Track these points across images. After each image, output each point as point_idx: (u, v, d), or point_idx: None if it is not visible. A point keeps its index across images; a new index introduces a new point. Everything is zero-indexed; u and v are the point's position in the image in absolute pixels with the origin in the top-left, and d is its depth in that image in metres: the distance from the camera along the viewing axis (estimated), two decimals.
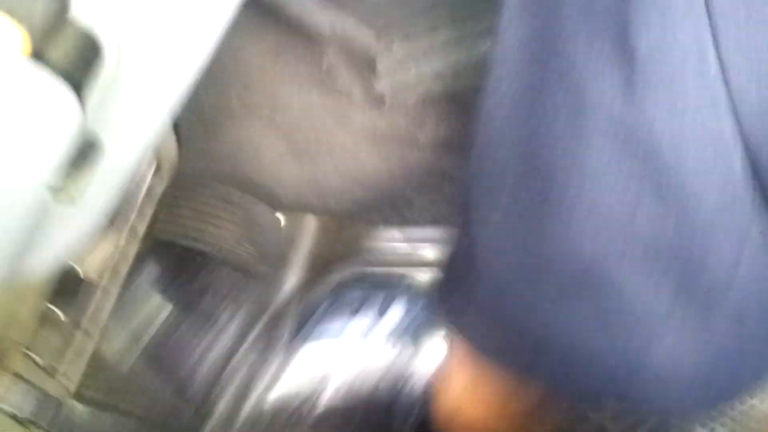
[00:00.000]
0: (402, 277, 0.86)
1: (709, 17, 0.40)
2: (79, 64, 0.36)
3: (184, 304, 0.68)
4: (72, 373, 0.55)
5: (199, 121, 0.75)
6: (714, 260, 0.45)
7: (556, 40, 0.46)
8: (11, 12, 0.33)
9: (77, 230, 0.44)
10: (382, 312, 0.74)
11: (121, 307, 0.63)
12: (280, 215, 0.86)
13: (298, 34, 0.74)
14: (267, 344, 0.72)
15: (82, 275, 0.53)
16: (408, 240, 0.86)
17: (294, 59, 0.76)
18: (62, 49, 0.35)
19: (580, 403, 0.71)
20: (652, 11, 0.41)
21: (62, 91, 0.35)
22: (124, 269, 0.58)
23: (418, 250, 0.86)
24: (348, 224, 0.86)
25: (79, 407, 0.60)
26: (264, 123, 0.78)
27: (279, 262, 0.84)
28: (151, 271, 0.69)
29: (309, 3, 0.73)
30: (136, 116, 0.41)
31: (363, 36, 0.74)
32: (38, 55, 0.34)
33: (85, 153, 0.40)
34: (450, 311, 0.62)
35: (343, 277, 0.85)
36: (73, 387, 0.55)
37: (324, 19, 0.74)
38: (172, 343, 0.70)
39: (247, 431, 0.71)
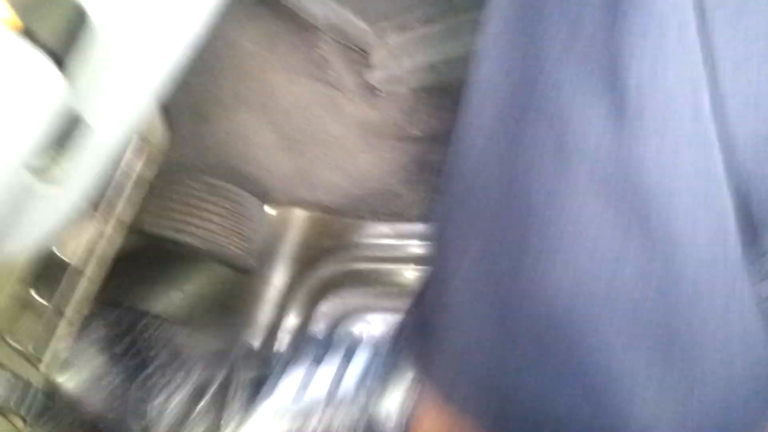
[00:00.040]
0: (389, 275, 0.86)
1: (707, 50, 0.38)
2: (65, 39, 0.35)
3: (132, 366, 0.64)
4: (53, 360, 0.53)
5: (189, 110, 0.74)
6: (699, 321, 0.42)
7: (538, 71, 0.43)
8: None
9: (59, 212, 0.43)
10: (347, 358, 0.71)
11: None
12: (268, 208, 0.85)
13: (291, 24, 0.73)
14: (222, 405, 0.68)
15: (65, 261, 0.51)
16: (397, 235, 0.85)
17: (286, 49, 0.75)
18: (49, 23, 0.34)
19: None
20: (644, 44, 0.39)
21: (47, 66, 0.34)
22: (109, 256, 0.56)
23: (407, 246, 0.85)
24: (337, 218, 0.85)
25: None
26: (255, 113, 0.77)
27: (267, 255, 0.84)
28: (96, 331, 0.65)
29: None
30: (121, 95, 0.40)
31: (357, 27, 0.73)
32: (24, 29, 0.33)
33: (68, 132, 0.39)
34: (419, 357, 0.60)
35: (331, 273, 0.84)
36: (52, 374, 0.54)
37: (317, 9, 0.73)
38: (120, 405, 0.67)
39: None
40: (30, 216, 0.42)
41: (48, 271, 0.51)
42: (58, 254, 0.50)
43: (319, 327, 0.86)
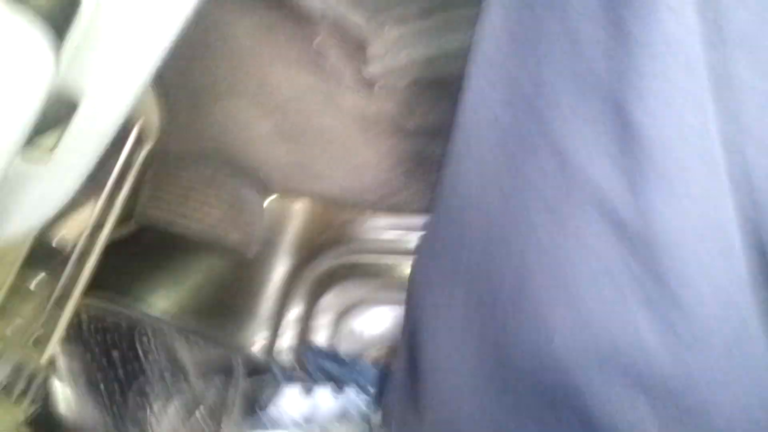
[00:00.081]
0: (390, 268, 0.85)
1: (725, 89, 0.36)
2: (56, 10, 0.34)
3: (130, 372, 0.64)
4: (46, 340, 0.53)
5: (185, 99, 0.74)
6: (711, 369, 0.39)
7: (537, 106, 0.41)
8: None
9: (53, 194, 0.43)
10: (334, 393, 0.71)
11: None
12: (267, 199, 0.84)
13: (289, 14, 0.73)
14: (221, 413, 0.68)
15: (59, 240, 0.51)
16: (396, 227, 0.85)
17: (284, 40, 0.74)
18: None
19: None
20: (651, 83, 0.37)
21: (37, 38, 0.33)
22: (102, 240, 0.56)
23: (408, 238, 0.85)
24: (336, 210, 0.85)
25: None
26: (251, 103, 0.77)
27: (267, 247, 0.83)
28: (93, 336, 0.65)
29: None
30: (114, 72, 0.40)
31: (355, 18, 0.73)
32: None
33: (61, 111, 0.39)
34: (399, 424, 0.59)
35: (332, 266, 0.84)
36: (48, 353, 0.54)
37: (315, 1, 0.72)
38: (118, 411, 0.65)
39: None
40: (23, 198, 0.41)
41: (44, 255, 0.51)
42: (55, 238, 0.50)
43: (321, 320, 0.85)
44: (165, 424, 0.64)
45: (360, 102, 0.77)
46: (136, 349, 0.64)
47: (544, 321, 0.42)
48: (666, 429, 0.40)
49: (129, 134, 0.55)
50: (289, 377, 0.71)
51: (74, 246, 0.54)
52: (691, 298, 0.38)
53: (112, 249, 0.60)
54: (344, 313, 0.86)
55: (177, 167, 0.78)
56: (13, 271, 0.47)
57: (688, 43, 0.36)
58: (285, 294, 0.85)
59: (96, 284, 0.65)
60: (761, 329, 0.38)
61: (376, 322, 0.86)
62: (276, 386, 0.68)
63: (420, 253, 0.52)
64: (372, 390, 0.70)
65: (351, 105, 0.78)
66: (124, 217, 0.62)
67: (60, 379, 0.59)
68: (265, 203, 0.84)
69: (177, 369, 0.65)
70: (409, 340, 0.56)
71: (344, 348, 0.85)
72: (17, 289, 0.49)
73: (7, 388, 0.52)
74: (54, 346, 0.54)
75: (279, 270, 0.85)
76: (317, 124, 0.79)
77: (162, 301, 0.79)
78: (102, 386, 0.60)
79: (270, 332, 0.84)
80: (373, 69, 0.75)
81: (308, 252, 0.85)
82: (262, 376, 0.69)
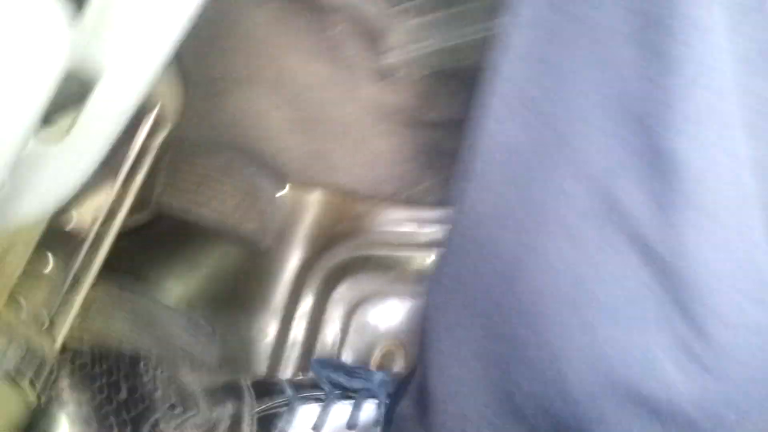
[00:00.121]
0: (405, 262, 0.85)
1: (755, 114, 0.35)
2: None
3: (139, 411, 0.62)
4: (59, 326, 0.53)
5: (202, 87, 0.73)
6: (744, 413, 0.38)
7: (560, 129, 0.40)
8: None
9: (66, 175, 0.42)
10: (357, 404, 0.70)
11: None
12: (282, 189, 0.84)
13: (307, 4, 0.72)
14: None
15: (73, 225, 0.51)
16: (411, 220, 0.84)
17: (302, 29, 0.74)
18: None
19: None
20: (687, 107, 0.35)
21: (53, 10, 0.33)
22: (118, 224, 0.56)
23: (424, 232, 0.84)
24: (351, 201, 0.84)
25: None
26: (269, 92, 0.77)
27: (282, 237, 0.83)
28: (94, 381, 0.63)
29: None
30: (132, 50, 0.39)
31: (374, 7, 0.73)
32: None
33: (75, 88, 0.38)
34: None
35: (347, 257, 0.83)
36: (59, 341, 0.53)
37: None
38: None
39: None
40: (38, 180, 0.41)
41: (58, 240, 0.50)
42: (69, 223, 0.49)
43: (333, 312, 0.85)
44: None
45: (377, 93, 0.77)
46: (142, 381, 0.62)
47: (559, 351, 0.41)
48: None
49: (146, 119, 0.54)
50: (302, 394, 0.70)
51: (89, 231, 0.53)
52: (720, 331, 0.37)
53: (126, 236, 0.60)
54: (357, 306, 0.85)
55: (192, 155, 0.77)
56: (26, 254, 0.47)
57: (718, 67, 0.35)
58: (298, 285, 0.84)
59: (110, 270, 0.65)
60: None
61: (389, 315, 0.85)
62: (290, 405, 0.67)
63: (434, 278, 0.51)
64: (385, 400, 0.69)
65: (368, 96, 0.77)
66: (140, 204, 0.61)
67: (71, 422, 0.58)
68: (280, 193, 0.84)
69: (186, 397, 0.64)
70: (420, 365, 0.55)
71: (356, 341, 0.84)
72: (30, 274, 0.48)
73: (17, 374, 0.51)
74: (65, 333, 0.53)
75: (292, 260, 0.84)
76: (334, 115, 0.78)
77: (175, 289, 0.79)
78: (114, 424, 0.58)
79: (281, 323, 0.84)
80: (391, 60, 0.74)
81: (322, 243, 0.85)
82: (274, 396, 0.68)
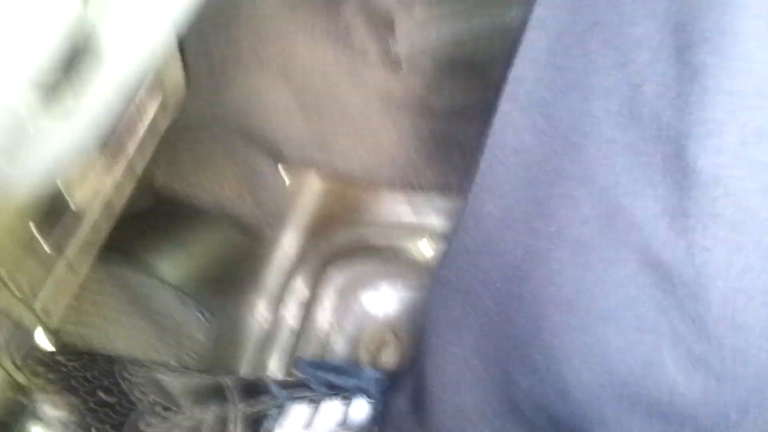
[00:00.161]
0: (402, 250, 0.84)
1: None
2: None
3: (122, 411, 0.61)
4: (52, 307, 0.52)
5: (208, 68, 0.73)
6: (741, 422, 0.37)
7: (574, 141, 0.39)
8: None
9: (65, 146, 0.41)
10: (347, 401, 0.69)
11: None
12: (284, 173, 0.83)
13: None
14: None
15: (71, 204, 0.49)
16: (412, 209, 0.84)
17: (310, 13, 0.73)
18: None
19: None
20: (718, 123, 0.34)
21: None
22: (118, 205, 0.55)
23: (423, 220, 0.84)
24: (353, 188, 0.83)
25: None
26: (273, 75, 0.76)
27: (279, 221, 0.82)
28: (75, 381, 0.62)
29: None
30: (137, 22, 0.38)
31: None
32: None
33: (79, 57, 0.37)
34: None
35: (343, 243, 0.83)
36: (52, 323, 0.52)
37: None
38: None
39: None
40: (37, 148, 0.40)
41: (53, 212, 0.49)
42: (65, 196, 0.48)
43: (328, 296, 0.84)
44: None
45: (385, 80, 0.76)
46: (121, 387, 0.61)
47: (559, 351, 0.41)
48: None
49: (152, 100, 0.53)
50: (291, 394, 0.68)
51: (89, 211, 0.52)
52: (726, 333, 0.36)
53: (127, 217, 0.59)
54: (350, 293, 0.84)
55: (195, 137, 0.77)
56: (19, 229, 0.45)
57: (749, 74, 0.33)
58: (292, 269, 0.84)
59: (103, 249, 0.64)
60: None
61: (383, 303, 0.84)
62: (278, 404, 0.66)
63: (435, 274, 0.51)
64: (378, 397, 0.68)
65: (376, 83, 0.77)
66: (142, 186, 0.60)
67: (52, 427, 0.56)
68: (279, 179, 0.83)
69: (168, 400, 0.63)
70: (416, 362, 0.55)
71: (348, 327, 0.84)
72: (22, 251, 0.47)
73: (10, 350, 0.50)
74: (61, 311, 0.52)
75: (288, 244, 0.84)
76: (340, 100, 0.77)
77: (169, 269, 0.78)
78: (97, 428, 0.57)
79: (274, 307, 0.83)
80: (401, 48, 0.74)
81: (321, 228, 0.84)
82: (262, 396, 0.67)
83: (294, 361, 0.82)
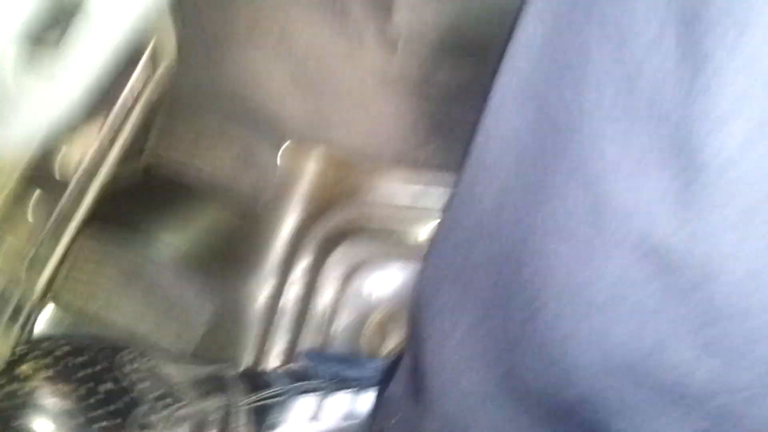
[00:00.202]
0: (402, 232, 0.84)
1: None
2: None
3: (124, 404, 0.60)
4: (39, 269, 0.51)
5: (201, 43, 0.73)
6: (751, 396, 0.37)
7: (566, 132, 0.39)
8: None
9: (53, 105, 0.41)
10: (355, 392, 0.68)
11: None
12: (280, 150, 0.83)
13: None
14: None
15: (60, 165, 0.49)
16: (412, 189, 0.83)
17: None
18: None
19: None
20: (733, 120, 0.33)
21: None
22: (104, 173, 0.54)
23: (423, 202, 0.84)
24: (350, 166, 0.83)
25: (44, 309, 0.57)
26: (268, 51, 0.76)
27: (278, 200, 0.82)
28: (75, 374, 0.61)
29: None
30: None
31: None
32: None
33: (66, 11, 0.37)
34: (400, 424, 0.57)
35: (343, 223, 0.82)
36: (40, 285, 0.52)
37: None
38: None
39: None
40: (23, 108, 0.40)
41: (44, 177, 0.49)
42: (49, 162, 0.48)
43: (328, 277, 0.84)
44: None
45: (382, 60, 0.76)
46: (122, 379, 0.60)
47: (560, 332, 0.40)
48: None
49: (140, 58, 0.53)
50: (296, 385, 0.68)
51: (76, 173, 0.52)
52: (734, 315, 0.35)
53: (119, 190, 0.58)
54: (353, 272, 0.84)
55: (189, 111, 0.76)
56: (7, 189, 0.45)
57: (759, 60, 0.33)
58: (293, 248, 0.84)
59: (101, 223, 0.64)
60: None
61: (386, 283, 0.84)
62: (283, 396, 0.66)
63: (429, 254, 0.51)
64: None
65: (372, 62, 0.76)
66: (132, 155, 0.60)
67: (52, 416, 0.55)
68: (278, 154, 0.83)
69: (172, 388, 0.62)
70: (412, 343, 0.54)
71: (350, 308, 0.84)
72: (11, 211, 0.47)
73: None
74: (46, 278, 0.52)
75: (288, 223, 0.84)
76: (336, 77, 0.77)
77: (166, 244, 0.78)
78: (98, 417, 0.56)
79: (275, 287, 0.83)
80: (397, 29, 0.73)
81: (319, 207, 0.84)
82: (266, 387, 0.67)
83: (299, 353, 0.81)
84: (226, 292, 0.81)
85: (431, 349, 0.50)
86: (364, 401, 0.66)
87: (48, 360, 0.56)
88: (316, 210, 0.84)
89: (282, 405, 0.65)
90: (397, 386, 0.60)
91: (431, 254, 0.51)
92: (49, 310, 0.63)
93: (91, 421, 0.56)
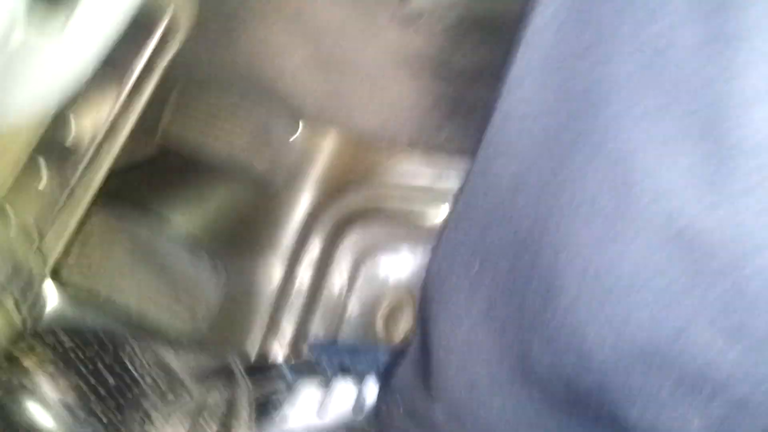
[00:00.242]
0: (418, 214, 0.83)
1: None
2: None
3: (133, 396, 0.59)
4: (50, 245, 0.50)
5: (218, 21, 0.71)
6: None
7: (589, 110, 0.38)
8: None
9: (63, 72, 0.40)
10: (359, 383, 0.67)
11: None
12: (295, 130, 0.82)
13: None
14: (229, 427, 0.62)
15: (72, 138, 0.48)
16: (429, 171, 0.82)
17: None
18: None
19: None
20: (766, 99, 0.32)
21: None
22: (117, 147, 0.53)
23: (441, 183, 0.83)
24: (367, 147, 0.82)
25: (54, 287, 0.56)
26: (288, 27, 0.75)
27: (294, 179, 0.81)
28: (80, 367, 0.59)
29: None
30: None
31: None
32: None
33: None
34: (407, 408, 0.56)
35: (358, 205, 0.82)
36: (51, 260, 0.51)
37: None
38: None
39: None
40: (33, 75, 0.39)
41: (56, 150, 0.48)
42: (60, 128, 0.47)
43: (341, 260, 0.83)
44: None
45: (398, 38, 0.75)
46: (125, 365, 0.60)
47: (578, 318, 0.40)
48: (715, 424, 0.38)
49: (156, 27, 0.51)
50: (303, 377, 0.67)
51: (89, 146, 0.51)
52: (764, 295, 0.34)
53: (133, 168, 0.58)
54: (366, 256, 0.83)
55: (204, 90, 0.75)
56: (18, 162, 0.44)
57: None
58: (306, 230, 0.83)
59: (114, 201, 0.63)
60: None
61: (399, 267, 0.83)
62: (288, 385, 0.65)
63: (441, 237, 0.50)
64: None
65: (389, 40, 0.75)
66: (146, 133, 0.59)
67: (55, 411, 0.55)
68: (294, 135, 0.82)
69: (171, 378, 0.62)
70: (421, 328, 0.53)
71: (363, 292, 0.83)
72: (22, 186, 0.46)
73: (1, 290, 0.49)
74: (57, 254, 0.51)
75: (302, 204, 0.83)
76: (353, 57, 0.76)
77: (179, 224, 0.77)
78: (98, 409, 0.56)
79: (287, 268, 0.82)
80: (416, 6, 0.72)
81: (334, 189, 0.83)
82: (272, 380, 0.66)
83: (307, 344, 0.81)
84: (238, 273, 0.81)
85: (441, 334, 0.50)
86: (371, 392, 0.65)
87: (51, 354, 0.56)
88: (330, 190, 0.83)
89: (288, 397, 0.65)
90: (405, 374, 0.59)
91: (444, 237, 0.50)
92: (58, 288, 0.62)
93: (94, 415, 0.55)
